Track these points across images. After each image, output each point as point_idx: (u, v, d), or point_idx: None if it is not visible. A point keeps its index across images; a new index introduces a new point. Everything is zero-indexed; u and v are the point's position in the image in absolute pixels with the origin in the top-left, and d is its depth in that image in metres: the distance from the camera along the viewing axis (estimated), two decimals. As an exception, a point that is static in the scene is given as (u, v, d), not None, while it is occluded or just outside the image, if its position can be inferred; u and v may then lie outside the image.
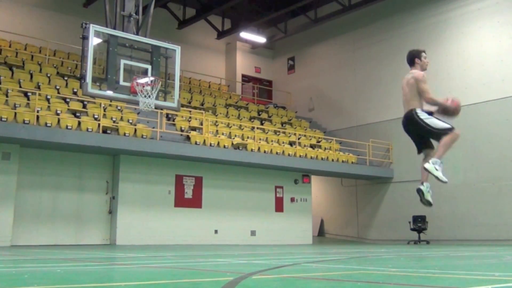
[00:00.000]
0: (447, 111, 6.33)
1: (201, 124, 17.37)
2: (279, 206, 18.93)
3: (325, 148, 20.36)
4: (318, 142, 20.90)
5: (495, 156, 17.82)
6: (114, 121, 15.30)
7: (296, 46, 26.10)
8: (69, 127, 13.90)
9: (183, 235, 16.33)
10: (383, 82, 21.36)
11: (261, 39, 25.71)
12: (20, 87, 15.28)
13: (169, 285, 3.50)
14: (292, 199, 19.22)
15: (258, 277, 4.04)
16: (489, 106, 18.31)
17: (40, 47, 19.42)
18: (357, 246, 14.64)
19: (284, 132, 20.43)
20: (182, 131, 16.87)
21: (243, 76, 26.57)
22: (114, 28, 10.67)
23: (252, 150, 17.35)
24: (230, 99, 23.12)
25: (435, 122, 6.21)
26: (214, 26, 24.60)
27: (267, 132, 19.70)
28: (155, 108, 11.08)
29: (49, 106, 14.60)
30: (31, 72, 16.76)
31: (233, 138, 17.70)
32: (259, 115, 22.29)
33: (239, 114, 21.03)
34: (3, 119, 12.96)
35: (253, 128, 18.90)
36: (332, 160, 19.64)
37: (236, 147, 17.33)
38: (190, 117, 18.09)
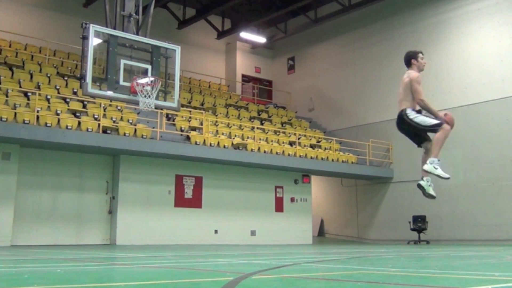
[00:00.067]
0: (439, 124, 6.43)
1: (201, 124, 17.37)
2: (279, 206, 18.93)
3: (325, 148, 20.36)
4: (318, 142, 20.90)
5: (495, 156, 17.82)
6: (114, 121, 15.30)
7: (296, 46, 26.10)
8: (69, 127, 13.90)
9: (183, 235, 16.33)
10: (383, 82, 21.35)
11: (261, 39, 25.71)
12: (20, 87, 15.28)
13: (169, 285, 3.50)
14: (292, 199, 19.22)
15: (258, 277, 4.04)
16: (489, 106, 18.31)
17: (40, 47, 19.42)
18: (357, 246, 14.64)
19: (284, 132, 20.43)
20: (182, 131, 16.87)
21: (243, 76, 26.56)
22: (114, 28, 10.67)
23: (252, 150, 17.35)
24: (230, 99, 23.12)
25: (423, 120, 6.29)
26: (214, 26, 24.60)
27: (267, 132, 19.69)
28: (155, 108, 11.07)
29: (49, 106, 14.60)
30: (31, 72, 16.76)
31: (233, 138, 17.70)
32: (259, 115, 22.29)
33: (239, 114, 21.03)
34: (3, 119, 12.96)
35: (253, 128, 18.90)
36: (332, 160, 19.64)
37: (236, 147, 17.33)
38: (190, 117, 18.09)
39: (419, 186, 6.49)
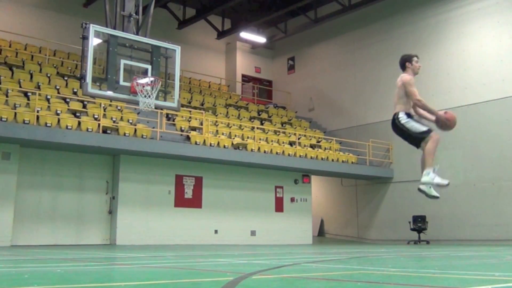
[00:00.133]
0: (438, 121, 6.42)
1: (201, 124, 17.37)
2: (279, 206, 18.93)
3: (325, 148, 20.36)
4: (318, 142, 20.91)
5: (495, 156, 17.82)
6: (114, 121, 15.31)
7: (296, 46, 26.10)
8: (69, 127, 13.90)
9: (183, 235, 16.33)
10: (383, 82, 21.34)
11: (261, 39, 25.71)
12: (20, 87, 15.28)
13: (169, 285, 3.50)
14: (292, 199, 19.22)
15: (258, 277, 4.04)
16: (489, 106, 18.31)
17: (40, 47, 19.43)
18: (357, 246, 14.64)
19: (284, 132, 20.43)
20: (182, 131, 16.87)
21: (243, 76, 26.57)
22: (114, 28, 10.67)
23: (252, 150, 17.35)
24: (230, 99, 23.12)
25: (413, 125, 6.34)
26: (214, 26, 24.60)
27: (267, 132, 19.69)
28: (155, 108, 11.08)
29: (49, 106, 14.60)
30: (31, 72, 16.76)
31: (233, 138, 17.70)
32: (259, 115, 22.29)
33: (239, 114, 21.03)
34: (3, 119, 12.96)
35: (253, 128, 18.90)
36: (332, 160, 19.64)
37: (236, 147, 17.33)
38: (190, 117, 18.09)
39: (420, 190, 6.48)
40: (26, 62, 17.62)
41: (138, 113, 16.30)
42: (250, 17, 23.28)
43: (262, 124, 20.80)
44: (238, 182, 17.84)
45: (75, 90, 16.60)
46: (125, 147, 14.71)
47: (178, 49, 11.09)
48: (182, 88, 21.00)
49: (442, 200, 19.81)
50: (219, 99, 22.20)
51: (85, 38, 9.93)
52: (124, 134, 14.85)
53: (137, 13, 11.18)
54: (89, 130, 14.24)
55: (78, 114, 14.93)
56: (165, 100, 11.05)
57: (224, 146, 16.88)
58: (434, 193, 6.48)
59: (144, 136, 15.22)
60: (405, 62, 6.74)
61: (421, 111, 6.60)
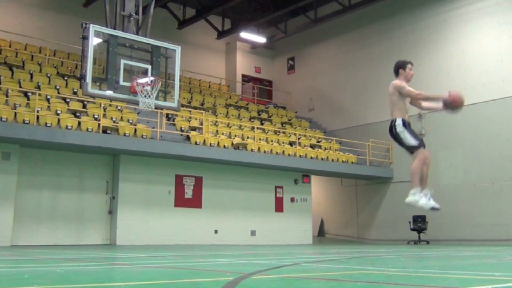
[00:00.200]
0: (446, 104, 6.34)
1: (201, 124, 17.37)
2: (279, 206, 18.93)
3: (325, 148, 20.36)
4: (318, 142, 20.91)
5: (495, 156, 17.83)
6: (114, 121, 15.30)
7: (296, 46, 26.10)
8: (69, 127, 13.90)
9: (183, 235, 16.33)
10: (383, 82, 21.29)
11: (261, 39, 25.71)
12: (20, 87, 15.28)
13: (169, 285, 3.49)
14: (292, 199, 19.22)
15: (258, 277, 4.04)
16: (489, 106, 18.31)
17: (40, 47, 19.42)
18: (357, 246, 14.64)
19: (284, 132, 20.43)
20: (182, 131, 16.87)
21: (243, 76, 26.57)
22: (114, 28, 10.68)
23: (252, 150, 17.35)
24: (230, 99, 23.12)
25: (406, 137, 6.39)
26: (214, 26, 24.60)
27: (267, 132, 19.69)
28: (155, 108, 11.09)
29: (49, 106, 14.60)
30: (31, 72, 16.76)
31: (233, 138, 17.70)
32: (259, 115, 22.29)
33: (239, 114, 21.03)
34: (3, 119, 12.96)
35: (253, 128, 18.90)
36: (332, 160, 19.64)
37: (236, 147, 17.33)
38: (190, 117, 18.09)
39: (408, 204, 6.47)
40: (26, 62, 17.62)
41: (138, 113, 16.30)
42: (250, 17, 23.28)
43: (262, 124, 20.80)
44: (238, 182, 17.84)
45: (75, 90, 16.60)
46: (125, 147, 14.70)
47: (178, 49, 11.10)
48: (182, 88, 21.01)
49: (442, 200, 19.77)
50: (219, 99, 22.20)
51: (85, 38, 9.94)
52: (124, 134, 14.85)
53: (137, 13, 11.19)
54: (89, 130, 14.24)
55: (78, 114, 14.93)
56: (165, 100, 11.06)
57: (224, 146, 16.88)
58: (433, 205, 6.42)
59: (144, 136, 15.22)
60: (398, 68, 6.71)
61: (427, 104, 6.58)
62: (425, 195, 6.33)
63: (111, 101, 15.49)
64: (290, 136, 20.11)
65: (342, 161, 19.92)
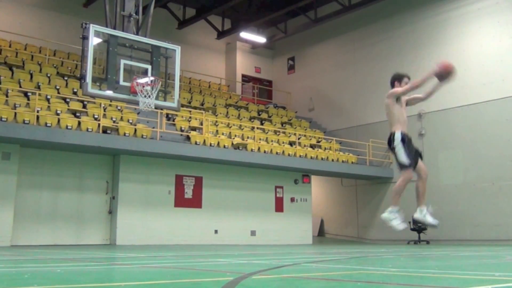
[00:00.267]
0: (440, 75, 6.49)
1: (201, 124, 17.37)
2: (279, 206, 18.93)
3: (325, 148, 20.36)
4: (318, 142, 20.91)
5: (495, 156, 17.82)
6: (114, 121, 15.30)
7: (296, 46, 26.10)
8: (69, 127, 13.90)
9: (183, 235, 16.33)
10: (383, 82, 21.20)
11: (261, 39, 25.71)
12: (20, 87, 15.28)
13: (169, 285, 3.49)
14: (292, 199, 19.22)
15: (258, 277, 4.04)
16: (489, 106, 18.31)
17: (40, 47, 19.43)
18: (357, 246, 14.64)
19: (284, 132, 20.43)
20: (182, 131, 16.87)
21: (243, 76, 26.57)
22: (114, 28, 10.68)
23: (252, 150, 17.35)
24: (230, 99, 23.12)
25: (400, 153, 6.48)
26: (214, 26, 24.60)
27: (267, 132, 19.69)
28: (155, 108, 11.09)
29: (49, 106, 14.60)
30: (31, 72, 16.76)
31: (233, 138, 17.70)
32: (259, 115, 22.29)
33: (239, 114, 21.03)
34: (3, 119, 12.96)
35: (253, 128, 18.90)
36: (332, 160, 19.64)
37: (236, 147, 17.33)
38: (190, 117, 18.09)
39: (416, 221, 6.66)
40: (26, 62, 17.62)
41: (138, 113, 16.29)
42: (250, 17, 23.28)
43: (262, 124, 20.80)
44: (238, 182, 17.84)
45: (75, 90, 16.60)
46: (125, 147, 14.70)
47: (178, 49, 11.10)
48: (182, 88, 21.01)
49: (442, 200, 19.79)
50: (219, 99, 22.20)
51: (85, 38, 9.94)
52: (124, 134, 14.85)
53: (137, 13, 11.19)
54: (89, 130, 14.24)
55: (78, 114, 14.93)
56: (165, 100, 11.06)
57: (224, 146, 16.88)
58: (431, 221, 6.59)
59: (144, 136, 15.22)
60: (394, 81, 6.79)
61: (426, 91, 6.69)
62: (421, 211, 6.54)
63: (111, 101, 15.49)
64: (290, 136, 20.11)
65: (342, 161, 19.92)
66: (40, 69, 17.36)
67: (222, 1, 21.86)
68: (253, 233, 18.07)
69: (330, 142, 20.70)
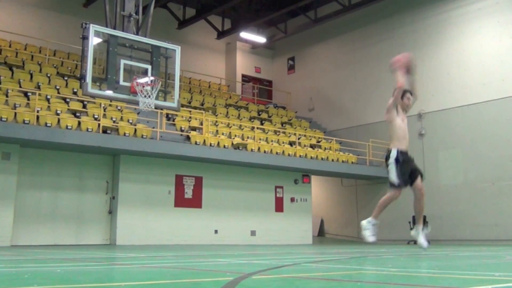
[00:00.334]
0: (406, 71, 6.66)
1: (201, 124, 17.37)
2: (279, 206, 18.93)
3: (325, 148, 20.36)
4: (318, 142, 20.91)
5: (495, 156, 17.83)
6: (114, 121, 15.30)
7: (296, 46, 26.11)
8: (69, 127, 13.90)
9: (183, 235, 16.33)
10: (383, 82, 21.33)
11: (261, 39, 25.72)
12: (20, 87, 15.28)
13: (169, 285, 3.49)
14: (292, 199, 19.22)
15: (258, 277, 4.04)
16: (489, 106, 18.31)
17: (40, 47, 19.43)
18: (357, 246, 14.64)
19: (284, 132, 20.43)
20: (182, 131, 16.87)
21: (243, 76, 26.57)
22: (114, 28, 10.68)
23: (252, 150, 17.35)
24: (230, 99, 23.13)
25: (392, 172, 6.62)
26: (214, 26, 24.60)
27: (267, 132, 19.69)
28: (155, 108, 11.09)
29: (49, 106, 14.60)
30: (31, 72, 16.76)
31: (233, 138, 17.70)
32: (259, 115, 22.29)
33: (239, 114, 21.03)
34: (3, 119, 12.96)
35: (253, 128, 18.90)
36: (332, 160, 19.64)
37: (236, 147, 17.33)
38: (190, 117, 18.09)
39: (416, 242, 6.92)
40: (26, 62, 17.62)
41: (138, 113, 16.30)
42: (250, 17, 23.28)
43: (262, 124, 20.80)
44: (238, 182, 17.84)
45: (75, 90, 16.60)
46: (125, 147, 14.70)
47: (178, 49, 11.10)
48: (182, 88, 21.01)
49: (442, 200, 19.79)
50: (219, 99, 22.20)
51: (85, 38, 9.95)
52: (124, 134, 14.85)
53: (137, 13, 11.20)
54: (89, 130, 14.24)
55: (78, 114, 14.93)
56: (165, 100, 11.06)
57: (224, 146, 16.88)
58: (422, 242, 6.87)
59: (144, 136, 15.22)
60: None
61: (411, 87, 6.82)
62: (416, 230, 6.76)
63: (111, 101, 15.49)
64: (290, 136, 20.11)
65: (342, 161, 19.92)
66: (40, 69, 17.36)
67: (222, 1, 21.86)
68: (253, 233, 18.07)
69: (330, 142, 20.70)
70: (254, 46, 26.87)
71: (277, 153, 18.15)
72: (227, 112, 20.65)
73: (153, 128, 15.86)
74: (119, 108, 16.36)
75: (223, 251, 10.01)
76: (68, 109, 14.96)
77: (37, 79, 16.36)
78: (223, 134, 17.63)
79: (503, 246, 14.60)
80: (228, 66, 26.72)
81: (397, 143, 6.59)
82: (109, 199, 15.54)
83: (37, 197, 14.43)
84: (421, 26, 20.77)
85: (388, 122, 6.72)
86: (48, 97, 15.25)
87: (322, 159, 19.36)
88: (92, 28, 9.90)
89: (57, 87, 16.41)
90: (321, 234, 23.22)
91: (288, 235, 18.67)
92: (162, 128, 15.96)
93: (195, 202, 16.90)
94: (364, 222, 6.87)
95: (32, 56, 18.56)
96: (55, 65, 18.41)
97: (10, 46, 18.64)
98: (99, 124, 14.43)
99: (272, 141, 18.85)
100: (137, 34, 10.99)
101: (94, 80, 10.19)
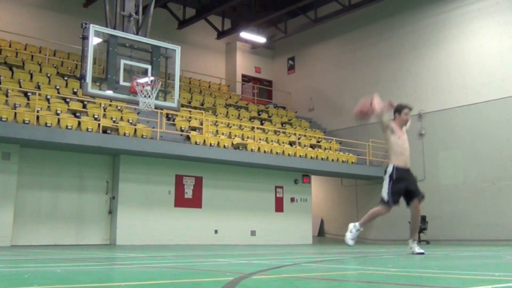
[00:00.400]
0: (364, 114, 6.91)
1: (201, 124, 17.37)
2: (279, 206, 18.93)
3: (325, 148, 20.36)
4: (318, 142, 20.91)
5: (495, 156, 17.83)
6: (114, 121, 15.31)
7: (296, 46, 26.11)
8: (69, 127, 13.90)
9: (183, 235, 16.33)
10: (383, 82, 21.35)
11: (261, 39, 25.72)
12: (20, 87, 15.28)
13: (169, 285, 3.49)
14: (292, 199, 19.22)
15: (258, 277, 4.04)
16: (489, 106, 18.31)
17: (40, 47, 19.43)
18: (357, 246, 14.63)
19: (284, 132, 20.43)
20: (182, 131, 16.87)
21: (243, 76, 26.57)
22: (114, 28, 10.68)
23: (252, 150, 17.35)
24: (230, 99, 23.13)
25: (383, 187, 6.78)
26: (214, 26, 24.60)
27: (267, 132, 19.70)
28: (155, 108, 11.09)
29: (49, 106, 14.60)
30: (31, 72, 16.76)
31: (233, 138, 17.70)
32: (259, 115, 22.29)
33: (239, 114, 21.03)
34: (3, 119, 12.96)
35: (253, 128, 18.90)
36: (332, 160, 19.64)
37: (236, 147, 17.33)
38: (190, 117, 18.09)
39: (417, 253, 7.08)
40: (26, 62, 17.62)
41: (138, 113, 16.30)
42: (250, 17, 23.28)
43: (262, 124, 20.80)
44: (238, 182, 17.84)
45: (75, 90, 16.60)
46: (125, 147, 14.70)
47: (178, 49, 11.10)
48: (182, 88, 21.01)
49: (442, 200, 19.77)
50: (219, 99, 22.20)
51: (85, 38, 9.95)
52: (124, 134, 14.85)
53: (137, 13, 11.20)
54: (89, 130, 14.24)
55: (78, 114, 14.93)
56: (165, 100, 11.06)
57: (224, 146, 16.88)
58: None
59: (144, 136, 15.22)
60: (395, 112, 7.00)
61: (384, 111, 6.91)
62: (409, 244, 6.87)
63: (111, 101, 15.49)
64: (290, 136, 20.11)
65: (342, 161, 19.92)
66: (40, 69, 17.37)
67: (222, 1, 21.87)
68: (253, 233, 18.07)
69: (330, 142, 20.70)
70: (254, 46, 26.87)
71: (277, 153, 18.15)
72: (227, 112, 20.65)
73: (153, 128, 15.86)
74: (119, 108, 16.36)
75: (223, 251, 10.01)
76: (68, 109, 14.96)
77: (37, 79, 16.36)
78: (223, 134, 17.64)
79: (503, 246, 14.60)
80: (228, 66, 26.72)
81: (394, 159, 6.67)
82: (109, 199, 15.54)
83: (37, 197, 14.43)
84: (421, 26, 20.77)
85: (385, 140, 6.90)
86: (48, 97, 15.25)
87: (322, 159, 19.36)
88: (92, 28, 9.90)
89: (57, 87, 16.41)
90: (321, 234, 23.22)
91: (288, 235, 18.67)
92: (162, 128, 15.96)
93: (195, 202, 16.90)
94: (351, 225, 7.06)
95: (32, 56, 18.56)
96: (55, 65, 18.41)
97: (10, 46, 18.64)
98: (99, 124, 14.43)
99: (272, 141, 18.85)
100: (137, 34, 10.99)
101: (94, 80, 10.19)
